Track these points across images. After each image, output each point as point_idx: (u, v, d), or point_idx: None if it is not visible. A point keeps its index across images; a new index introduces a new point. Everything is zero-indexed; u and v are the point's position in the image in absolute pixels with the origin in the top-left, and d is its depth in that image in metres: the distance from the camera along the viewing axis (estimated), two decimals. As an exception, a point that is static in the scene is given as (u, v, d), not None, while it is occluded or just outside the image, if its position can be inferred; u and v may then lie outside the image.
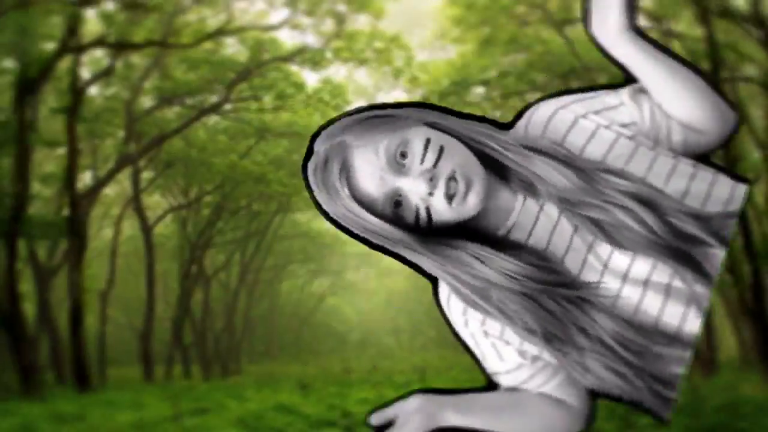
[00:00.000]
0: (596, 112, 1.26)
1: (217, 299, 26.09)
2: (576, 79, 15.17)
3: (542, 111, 1.27)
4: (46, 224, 14.77)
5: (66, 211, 15.54)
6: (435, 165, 1.17)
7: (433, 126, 1.21)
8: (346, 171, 1.19)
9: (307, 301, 37.74)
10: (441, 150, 1.17)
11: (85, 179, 19.06)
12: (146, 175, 20.81)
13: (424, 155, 1.17)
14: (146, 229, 20.24)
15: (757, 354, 15.09)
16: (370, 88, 26.33)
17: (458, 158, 1.18)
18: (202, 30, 16.54)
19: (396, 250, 1.23)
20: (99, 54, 17.20)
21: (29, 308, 16.60)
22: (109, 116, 17.64)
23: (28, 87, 13.80)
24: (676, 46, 15.66)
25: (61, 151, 16.65)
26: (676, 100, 1.24)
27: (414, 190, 1.17)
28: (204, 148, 19.70)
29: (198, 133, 19.89)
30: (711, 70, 12.43)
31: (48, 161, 19.42)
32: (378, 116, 1.23)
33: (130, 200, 20.51)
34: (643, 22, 16.12)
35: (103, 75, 16.48)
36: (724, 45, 12.73)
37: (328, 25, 17.38)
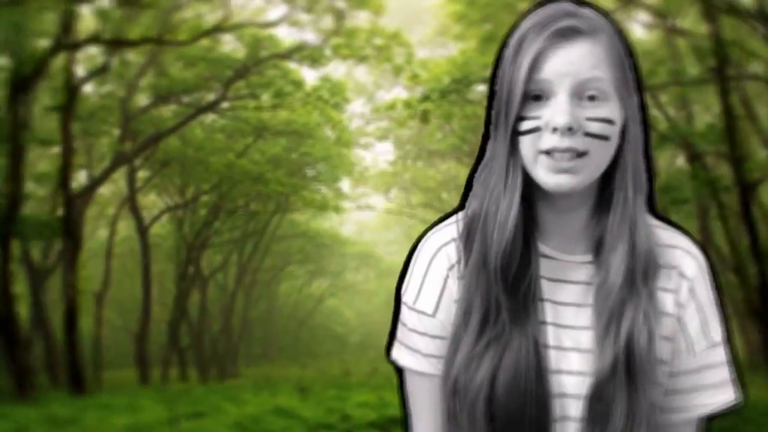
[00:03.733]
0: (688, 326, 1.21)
1: (214, 301, 26.07)
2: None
3: (689, 266, 1.21)
4: (40, 224, 14.72)
5: (60, 211, 15.51)
6: (590, 133, 1.11)
7: (627, 116, 1.16)
8: (553, 32, 1.12)
9: (305, 302, 37.77)
10: (605, 137, 1.12)
11: (79, 178, 18.98)
12: (142, 174, 20.77)
13: (598, 119, 1.11)
14: (142, 230, 20.18)
15: (763, 356, 14.98)
16: (369, 86, 26.37)
17: (603, 154, 1.13)
18: (199, 27, 16.51)
19: (496, 116, 1.17)
20: (94, 51, 17.14)
21: (23, 310, 16.51)
22: (104, 114, 17.60)
23: (21, 85, 13.74)
24: (681, 43, 15.57)
25: (56, 149, 16.60)
26: None
27: (561, 110, 1.10)
28: (201, 147, 19.71)
29: (195, 132, 19.88)
30: (717, 68, 12.32)
31: (42, 160, 19.32)
32: (630, 51, 1.19)
33: (126, 200, 20.44)
34: (648, 18, 16.05)
35: (98, 72, 16.42)
36: (731, 42, 12.61)
37: (327, 21, 17.38)
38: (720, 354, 1.20)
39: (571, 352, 1.16)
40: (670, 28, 15.42)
